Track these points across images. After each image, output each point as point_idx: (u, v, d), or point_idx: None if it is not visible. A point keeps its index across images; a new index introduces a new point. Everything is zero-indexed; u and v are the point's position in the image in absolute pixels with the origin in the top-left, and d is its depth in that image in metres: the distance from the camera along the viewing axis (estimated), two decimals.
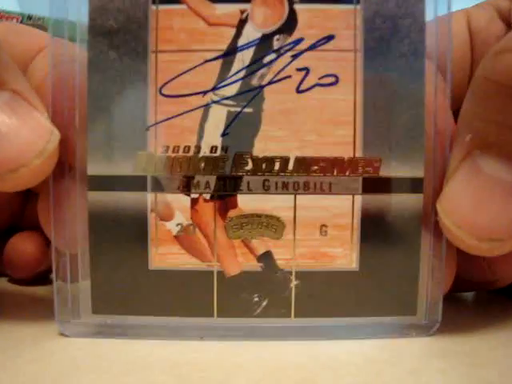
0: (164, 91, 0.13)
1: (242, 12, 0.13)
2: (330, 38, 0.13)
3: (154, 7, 0.13)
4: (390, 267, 0.13)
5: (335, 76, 0.13)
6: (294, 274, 0.13)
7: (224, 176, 0.13)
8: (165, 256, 0.13)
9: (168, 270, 0.13)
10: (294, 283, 0.13)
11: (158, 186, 0.13)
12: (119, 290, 0.13)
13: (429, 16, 0.13)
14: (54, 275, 0.13)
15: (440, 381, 0.11)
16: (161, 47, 0.13)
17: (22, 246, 0.18)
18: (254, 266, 0.13)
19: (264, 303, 0.13)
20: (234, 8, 0.13)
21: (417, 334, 0.13)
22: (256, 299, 0.13)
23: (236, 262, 0.13)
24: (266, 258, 0.13)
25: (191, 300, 0.13)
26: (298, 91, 0.13)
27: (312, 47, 0.13)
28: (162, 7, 0.13)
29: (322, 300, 0.13)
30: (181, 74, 0.13)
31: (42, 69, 0.14)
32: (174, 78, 0.13)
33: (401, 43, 0.13)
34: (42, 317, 0.15)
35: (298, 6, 0.13)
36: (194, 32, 0.13)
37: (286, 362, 0.12)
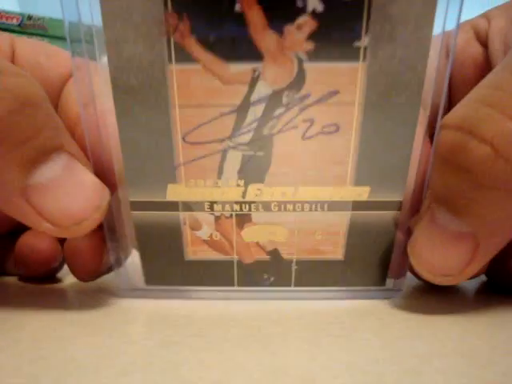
0: (187, 139, 0.15)
1: (254, 71, 0.14)
2: (334, 92, 0.14)
3: (170, 66, 0.14)
4: (370, 258, 0.17)
5: (336, 125, 0.15)
6: (294, 262, 0.18)
7: (240, 201, 0.16)
8: (196, 252, 0.17)
9: (199, 261, 0.17)
10: (294, 267, 0.18)
11: (188, 208, 0.16)
12: (164, 271, 0.18)
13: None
14: (113, 265, 0.18)
15: (440, 381, 0.11)
16: (180, 102, 0.14)
17: (35, 241, 0.18)
18: (264, 257, 0.17)
19: (272, 279, 0.18)
20: (246, 67, 0.14)
21: (384, 297, 0.18)
22: (265, 277, 0.18)
23: (251, 255, 0.17)
24: (274, 252, 0.17)
25: (217, 277, 0.18)
26: (303, 138, 0.15)
27: (318, 101, 0.14)
28: (178, 67, 0.14)
29: (316, 276, 0.18)
30: (201, 125, 0.15)
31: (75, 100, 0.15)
32: (195, 129, 0.15)
33: (399, 95, 0.14)
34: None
35: (306, 65, 0.14)
36: (210, 90, 0.14)
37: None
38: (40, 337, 0.14)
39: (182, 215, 0.16)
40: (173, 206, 0.16)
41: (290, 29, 0.13)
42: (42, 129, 0.14)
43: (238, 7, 0.13)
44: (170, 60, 0.14)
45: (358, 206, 0.16)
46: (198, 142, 0.15)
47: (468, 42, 0.17)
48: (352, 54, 0.14)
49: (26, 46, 0.17)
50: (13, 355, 0.13)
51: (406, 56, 0.14)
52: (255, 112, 0.14)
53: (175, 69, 0.14)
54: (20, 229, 0.19)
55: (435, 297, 0.18)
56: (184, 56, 0.14)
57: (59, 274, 0.21)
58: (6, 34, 0.19)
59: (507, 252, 0.17)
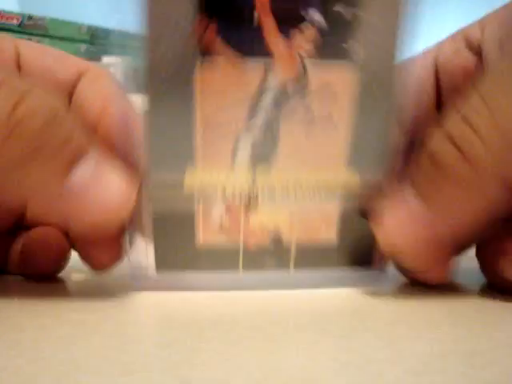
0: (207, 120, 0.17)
1: (266, 65, 0.17)
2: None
3: (198, 60, 0.16)
4: (359, 242, 0.20)
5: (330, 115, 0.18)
6: (293, 247, 0.19)
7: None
8: (207, 239, 0.19)
9: (208, 248, 0.19)
10: (293, 254, 0.19)
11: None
12: (175, 257, 0.19)
13: None
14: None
15: (440, 381, 0.11)
16: (204, 89, 0.17)
17: (46, 237, 0.18)
18: (267, 243, 0.19)
19: (272, 263, 0.20)
20: (260, 61, 0.17)
21: (372, 281, 0.20)
22: (267, 261, 0.20)
23: (255, 240, 0.19)
24: (275, 238, 0.19)
25: (224, 262, 0.19)
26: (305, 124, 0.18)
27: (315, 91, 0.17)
28: (205, 60, 0.16)
29: (312, 261, 0.20)
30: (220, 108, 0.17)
31: (94, 99, 0.17)
32: (215, 111, 0.17)
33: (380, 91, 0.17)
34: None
35: (307, 61, 0.17)
36: (230, 79, 0.17)
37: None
38: (40, 337, 0.14)
39: (197, 206, 0.18)
40: (189, 196, 0.18)
41: (294, 32, 0.16)
42: (73, 134, 0.16)
43: (255, 14, 0.16)
44: (197, 54, 0.16)
45: (348, 197, 0.19)
46: (216, 122, 0.17)
47: (457, 53, 0.18)
48: (343, 55, 0.17)
49: (31, 49, 0.18)
50: (13, 355, 0.12)
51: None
52: (266, 99, 0.17)
53: (201, 61, 0.16)
54: (21, 226, 0.19)
55: (435, 297, 0.18)
56: (209, 52, 0.16)
57: (59, 274, 0.21)
58: (8, 38, 0.18)
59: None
